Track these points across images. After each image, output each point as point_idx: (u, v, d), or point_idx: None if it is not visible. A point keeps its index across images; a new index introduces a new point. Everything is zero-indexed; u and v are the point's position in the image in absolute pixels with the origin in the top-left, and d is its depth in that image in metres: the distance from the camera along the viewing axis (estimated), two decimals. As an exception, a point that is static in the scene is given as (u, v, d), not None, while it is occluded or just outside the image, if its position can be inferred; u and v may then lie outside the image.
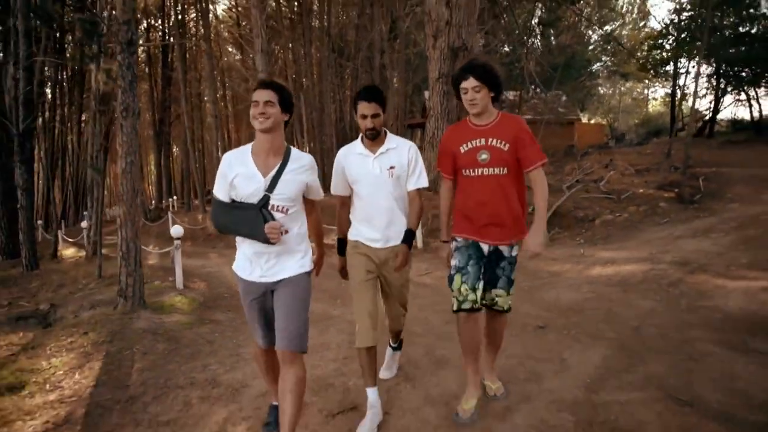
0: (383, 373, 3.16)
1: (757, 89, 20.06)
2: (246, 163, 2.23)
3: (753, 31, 19.07)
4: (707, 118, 21.71)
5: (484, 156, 2.46)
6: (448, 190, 2.73)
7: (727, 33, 19.23)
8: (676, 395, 2.75)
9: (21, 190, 10.26)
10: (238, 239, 2.34)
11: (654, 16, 23.41)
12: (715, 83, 20.89)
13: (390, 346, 3.21)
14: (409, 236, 2.70)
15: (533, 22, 22.75)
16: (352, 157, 2.70)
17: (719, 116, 23.08)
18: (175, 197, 25.35)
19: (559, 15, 21.27)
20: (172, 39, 24.11)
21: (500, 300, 2.60)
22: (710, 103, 21.93)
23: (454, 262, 2.58)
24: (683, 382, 2.91)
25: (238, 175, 2.21)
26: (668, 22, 21.69)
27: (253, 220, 2.17)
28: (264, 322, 2.37)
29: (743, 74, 20.07)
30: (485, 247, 2.54)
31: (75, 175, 22.87)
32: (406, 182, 2.71)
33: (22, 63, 9.98)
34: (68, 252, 14.11)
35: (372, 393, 2.65)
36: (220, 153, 20.72)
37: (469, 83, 2.43)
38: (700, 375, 2.98)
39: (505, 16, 19.20)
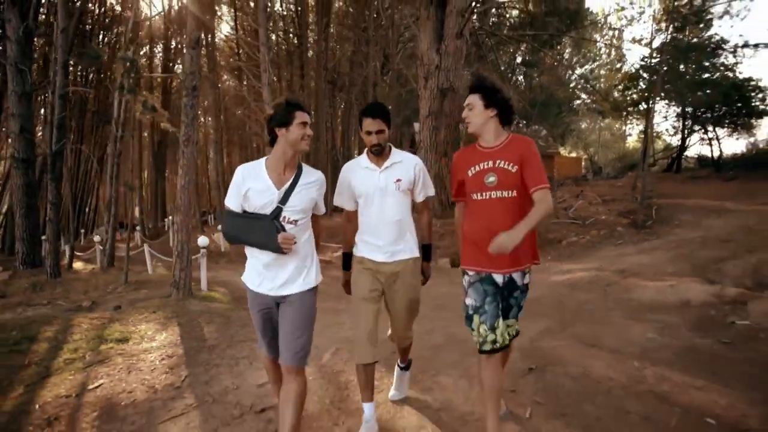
0: (392, 394, 3.15)
1: (718, 130, 22.24)
2: (260, 176, 2.35)
3: (714, 76, 21.33)
4: (675, 155, 23.82)
5: (491, 179, 2.38)
6: (460, 212, 2.68)
7: (694, 77, 21.43)
8: (586, 342, 4.22)
9: (51, 204, 11.53)
10: (249, 251, 2.44)
11: (626, 60, 25.59)
12: (682, 123, 23.08)
13: (398, 365, 3.14)
14: (428, 252, 2.84)
15: (516, 62, 24.86)
16: (359, 171, 2.71)
17: (689, 153, 25.32)
18: (170, 217, 26.53)
19: (539, 57, 23.33)
20: (173, 66, 25.66)
21: (509, 330, 2.53)
22: (678, 141, 24.14)
23: (469, 301, 2.45)
24: (594, 336, 4.39)
25: (251, 187, 2.33)
26: (640, 65, 23.98)
27: (266, 230, 2.28)
28: (270, 333, 2.47)
29: (707, 116, 22.29)
30: (499, 279, 2.43)
31: (75, 193, 23.99)
32: (414, 195, 2.77)
33: (58, 91, 11.40)
34: (77, 265, 15.23)
35: (368, 408, 2.70)
36: (217, 175, 22.03)
37: (466, 101, 2.45)
38: (607, 332, 4.47)
39: (491, 55, 21.22)
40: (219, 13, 25.24)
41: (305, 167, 2.45)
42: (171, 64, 26.36)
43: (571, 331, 4.60)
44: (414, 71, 20.31)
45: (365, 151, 2.73)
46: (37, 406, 3.22)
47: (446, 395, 3.27)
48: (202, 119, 24.71)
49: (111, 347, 4.48)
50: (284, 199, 2.32)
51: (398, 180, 2.65)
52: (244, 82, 26.41)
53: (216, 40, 25.35)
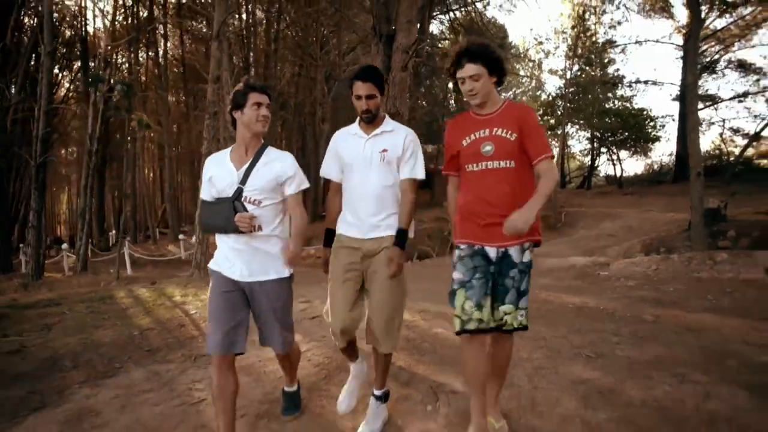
0: (361, 429, 2.50)
1: (621, 152, 26.41)
2: (223, 161, 2.39)
3: (615, 106, 25.46)
4: (586, 174, 27.79)
5: (487, 148, 2.23)
6: (453, 188, 2.47)
7: (599, 106, 25.42)
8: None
9: (34, 212, 12.69)
10: (218, 237, 2.42)
11: (545, 89, 29.46)
12: (591, 146, 27.09)
13: (373, 394, 2.59)
14: (402, 237, 2.46)
15: (449, 87, 28.06)
16: (345, 136, 2.58)
17: (600, 172, 29.53)
18: (113, 231, 27.02)
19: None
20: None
21: (508, 317, 2.25)
22: (589, 161, 28.18)
23: (456, 275, 2.29)
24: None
25: (214, 173, 2.38)
26: (556, 94, 27.90)
27: (224, 211, 2.28)
28: (229, 320, 2.31)
29: (611, 139, 26.39)
30: (492, 253, 2.25)
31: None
32: (400, 171, 2.51)
33: (43, 108, 12.69)
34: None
35: (355, 366, 2.79)
36: (171, 190, 23.16)
37: (465, 71, 2.21)
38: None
39: (427, 81, 24.16)
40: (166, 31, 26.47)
41: (270, 148, 2.41)
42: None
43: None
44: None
45: (357, 118, 2.56)
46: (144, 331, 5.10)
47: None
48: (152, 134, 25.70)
49: (184, 299, 6.32)
50: (244, 179, 2.30)
51: (384, 150, 2.45)
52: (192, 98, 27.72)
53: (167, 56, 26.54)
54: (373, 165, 2.47)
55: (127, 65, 26.31)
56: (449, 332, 4.11)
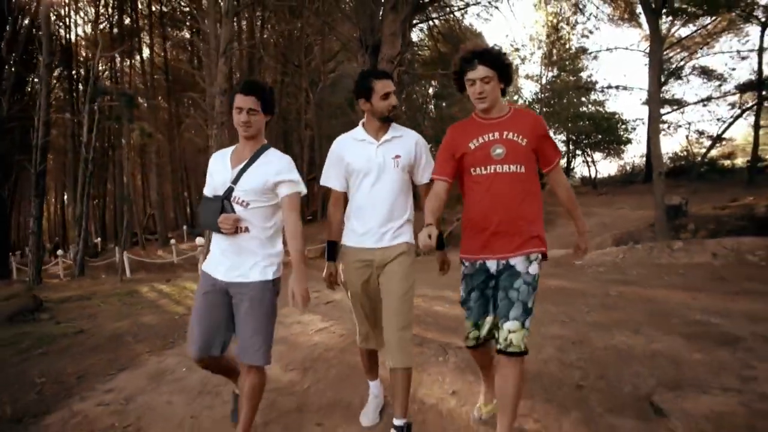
0: None
1: (595, 154, 27.66)
2: (224, 158, 2.37)
3: (589, 110, 26.71)
4: (562, 175, 29.01)
5: (498, 151, 2.16)
6: (442, 189, 2.29)
7: (574, 110, 26.64)
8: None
9: (34, 218, 13.18)
10: (212, 236, 2.42)
11: (522, 93, 30.64)
12: (566, 148, 28.28)
13: (394, 426, 2.37)
14: (442, 241, 2.46)
15: (429, 94, 29.07)
16: (352, 143, 2.47)
17: (576, 174, 30.75)
18: (98, 239, 27.27)
19: (449, 90, 27.58)
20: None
21: (514, 336, 2.07)
22: (565, 163, 29.39)
23: (461, 292, 2.33)
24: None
25: (213, 170, 2.38)
26: (532, 98, 29.09)
27: (211, 210, 2.27)
28: (207, 321, 2.28)
29: (586, 142, 27.64)
30: (492, 266, 2.19)
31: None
32: (415, 176, 2.51)
33: (42, 118, 13.20)
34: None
35: (374, 385, 2.71)
36: (158, 197, 23.55)
37: (477, 73, 2.15)
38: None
39: (408, 88, 25.09)
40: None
41: (270, 150, 2.35)
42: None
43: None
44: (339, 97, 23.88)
45: (360, 123, 2.51)
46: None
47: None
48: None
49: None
50: (236, 179, 2.26)
51: (397, 156, 2.41)
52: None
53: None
54: (387, 171, 2.40)
55: (108, 74, 26.76)
56: (448, 310, 4.94)
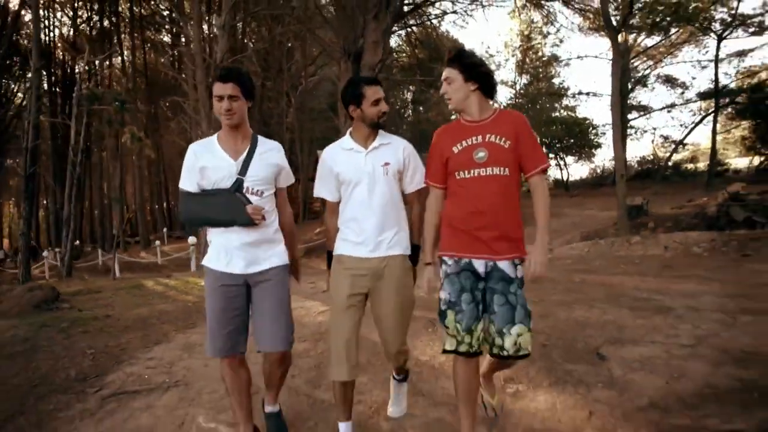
0: (391, 411, 2.68)
1: (567, 158, 28.83)
2: (213, 150, 2.27)
3: (561, 115, 27.88)
4: (535, 177, 30.15)
5: (481, 154, 2.15)
6: (436, 199, 2.35)
7: (547, 115, 27.78)
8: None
9: (24, 220, 13.49)
10: (213, 232, 2.32)
11: (496, 99, 31.69)
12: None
13: (393, 377, 2.66)
14: (415, 254, 2.47)
15: (408, 99, 29.93)
16: (340, 153, 2.44)
17: (549, 177, 31.91)
18: (77, 242, 27.27)
19: (427, 96, 28.45)
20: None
21: (522, 340, 2.10)
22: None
23: (444, 295, 2.19)
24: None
25: (206, 163, 2.24)
26: (507, 104, 30.18)
27: (230, 204, 2.20)
28: (231, 322, 2.27)
29: (558, 146, 28.80)
30: (480, 267, 2.16)
31: None
32: (403, 183, 2.47)
33: (32, 122, 13.53)
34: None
35: (344, 428, 2.41)
36: (140, 199, 23.75)
37: (443, 74, 2.22)
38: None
39: (387, 94, 25.81)
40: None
41: (260, 138, 2.37)
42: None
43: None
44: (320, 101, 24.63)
45: (348, 132, 2.49)
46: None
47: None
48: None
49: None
50: (243, 170, 2.23)
51: (386, 163, 2.39)
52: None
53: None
54: (377, 179, 2.37)
55: (87, 77, 26.86)
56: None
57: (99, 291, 7.39)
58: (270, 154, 2.33)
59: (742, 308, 4.18)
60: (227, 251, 2.27)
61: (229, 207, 2.20)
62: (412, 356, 3.57)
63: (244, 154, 2.26)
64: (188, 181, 2.29)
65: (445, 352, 2.18)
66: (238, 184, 2.22)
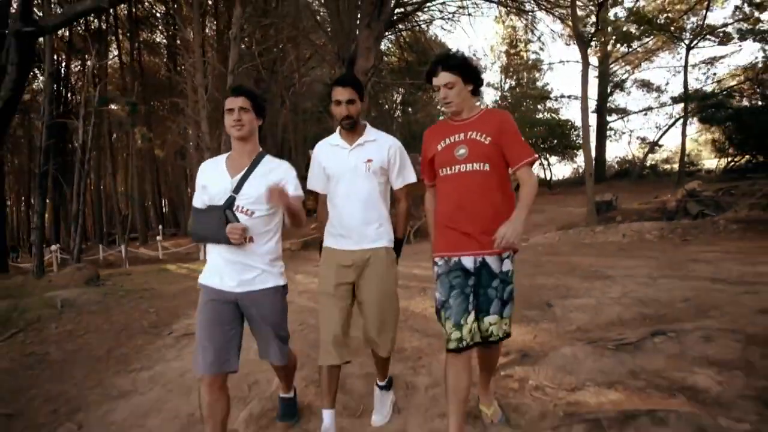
0: (374, 419, 2.69)
1: (551, 158, 30.19)
2: (218, 167, 2.33)
3: (544, 117, 29.22)
4: (520, 177, 31.51)
5: (461, 151, 2.23)
6: (431, 197, 2.50)
7: (531, 116, 29.11)
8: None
9: (38, 215, 14.36)
10: (209, 248, 2.34)
11: (482, 100, 32.99)
12: (524, 152, 30.74)
13: (376, 384, 2.73)
14: (398, 247, 2.59)
15: (397, 101, 31.10)
16: (327, 148, 2.57)
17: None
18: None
19: (416, 98, 29.62)
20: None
21: (494, 328, 2.23)
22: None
23: (437, 295, 2.28)
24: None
25: (208, 178, 2.32)
26: (493, 105, 31.47)
27: (214, 220, 2.21)
28: (219, 337, 2.23)
29: (542, 146, 30.13)
30: (469, 263, 2.22)
31: None
32: (390, 180, 2.57)
33: (46, 122, 14.42)
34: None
35: (327, 416, 2.47)
36: (139, 197, 24.56)
37: (440, 80, 2.25)
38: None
39: (378, 96, 26.96)
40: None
41: (267, 157, 2.36)
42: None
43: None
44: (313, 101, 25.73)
45: (338, 128, 2.54)
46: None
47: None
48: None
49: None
50: (237, 188, 2.24)
51: (369, 160, 2.45)
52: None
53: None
54: (359, 175, 2.46)
55: (82, 76, 27.61)
56: (423, 271, 6.77)
57: (129, 274, 8.41)
58: (270, 174, 2.29)
59: (663, 275, 5.39)
60: (218, 268, 2.28)
61: (212, 223, 2.22)
62: (406, 309, 4.69)
63: (243, 171, 2.28)
64: (197, 198, 2.38)
65: (449, 351, 2.20)
66: (230, 202, 2.24)
